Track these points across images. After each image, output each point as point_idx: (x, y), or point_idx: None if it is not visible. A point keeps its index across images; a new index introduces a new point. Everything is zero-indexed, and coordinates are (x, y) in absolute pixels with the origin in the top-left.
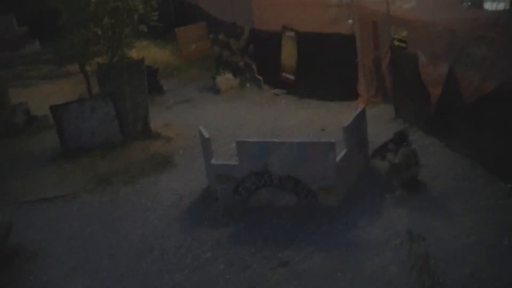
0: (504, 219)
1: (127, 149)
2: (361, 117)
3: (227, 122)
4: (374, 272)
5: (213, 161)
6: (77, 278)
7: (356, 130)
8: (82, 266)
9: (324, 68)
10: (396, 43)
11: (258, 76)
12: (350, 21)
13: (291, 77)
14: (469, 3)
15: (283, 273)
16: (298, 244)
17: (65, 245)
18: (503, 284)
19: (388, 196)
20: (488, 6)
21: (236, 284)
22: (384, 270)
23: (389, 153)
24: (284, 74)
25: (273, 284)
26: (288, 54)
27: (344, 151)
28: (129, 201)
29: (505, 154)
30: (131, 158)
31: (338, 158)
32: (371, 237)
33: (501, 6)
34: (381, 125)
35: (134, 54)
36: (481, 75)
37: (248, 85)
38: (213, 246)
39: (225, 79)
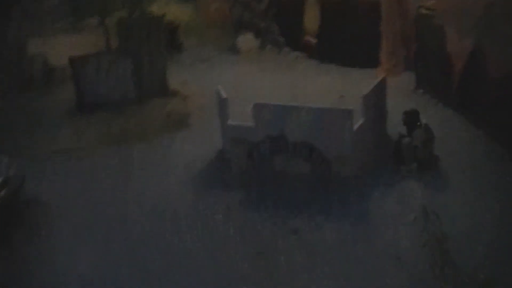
0: None
1: (142, 106)
2: (381, 86)
3: (245, 84)
4: (385, 246)
5: (229, 122)
6: (87, 236)
7: (375, 100)
8: (93, 224)
9: (347, 33)
10: (424, 11)
11: (279, 38)
12: None
13: (313, 40)
14: None
15: (293, 241)
16: (310, 213)
17: (77, 201)
18: None
19: (404, 169)
20: None
21: (245, 250)
22: (395, 244)
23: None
24: (306, 37)
25: (282, 251)
26: (311, 17)
27: (361, 120)
28: (143, 160)
29: None
30: (147, 116)
31: (355, 127)
32: (384, 210)
33: None
34: (402, 96)
35: (155, 10)
36: (508, 51)
37: (268, 47)
38: (224, 210)
39: (246, 39)
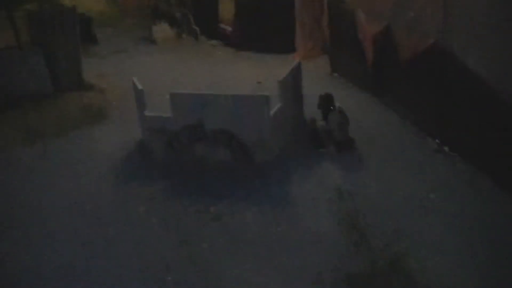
0: (432, 175)
1: (58, 100)
2: (296, 71)
3: (162, 74)
4: (306, 227)
5: (146, 113)
6: (3, 234)
7: (292, 84)
8: (10, 221)
9: (263, 20)
10: None
11: (195, 27)
12: None
13: (229, 28)
14: None
15: (216, 227)
16: (232, 199)
17: None
18: (426, 237)
19: (321, 151)
20: None
21: (169, 239)
22: (316, 225)
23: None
24: (221, 25)
25: (205, 238)
26: (226, 5)
27: (278, 105)
28: (61, 155)
29: (435, 111)
30: (63, 109)
31: (272, 112)
32: (304, 192)
33: None
34: (317, 80)
35: (67, 1)
36: (416, 33)
37: (184, 36)
38: (146, 200)
39: (162, 29)
